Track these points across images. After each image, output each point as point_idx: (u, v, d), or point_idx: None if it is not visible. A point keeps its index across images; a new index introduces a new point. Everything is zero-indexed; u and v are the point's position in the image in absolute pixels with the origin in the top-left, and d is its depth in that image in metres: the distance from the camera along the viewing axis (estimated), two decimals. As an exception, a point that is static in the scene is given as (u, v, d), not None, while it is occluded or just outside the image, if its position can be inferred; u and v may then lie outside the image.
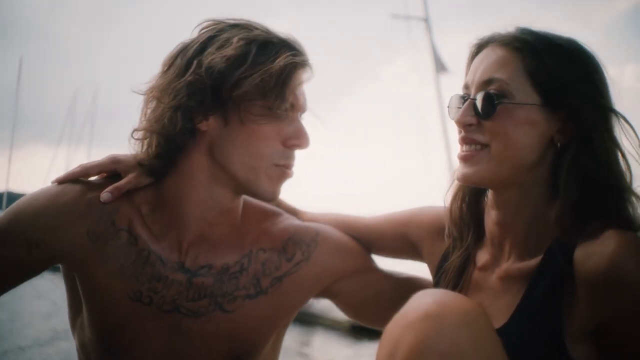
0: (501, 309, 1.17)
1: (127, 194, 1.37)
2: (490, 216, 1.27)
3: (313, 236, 1.46)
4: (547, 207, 1.17)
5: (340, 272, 1.47)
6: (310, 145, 1.35)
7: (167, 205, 1.37)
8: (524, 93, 1.17)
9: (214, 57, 1.26)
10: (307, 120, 1.39)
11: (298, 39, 1.36)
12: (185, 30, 1.37)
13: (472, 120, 1.21)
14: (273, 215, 1.50)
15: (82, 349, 1.44)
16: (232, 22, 1.35)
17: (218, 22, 1.35)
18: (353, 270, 1.49)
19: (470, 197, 1.35)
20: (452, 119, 1.27)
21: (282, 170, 1.34)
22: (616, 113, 1.17)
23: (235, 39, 1.28)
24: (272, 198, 1.37)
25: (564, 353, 1.06)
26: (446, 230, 1.36)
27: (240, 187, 1.35)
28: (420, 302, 1.00)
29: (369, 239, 1.54)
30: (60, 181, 1.38)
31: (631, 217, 1.12)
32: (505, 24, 1.25)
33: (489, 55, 1.22)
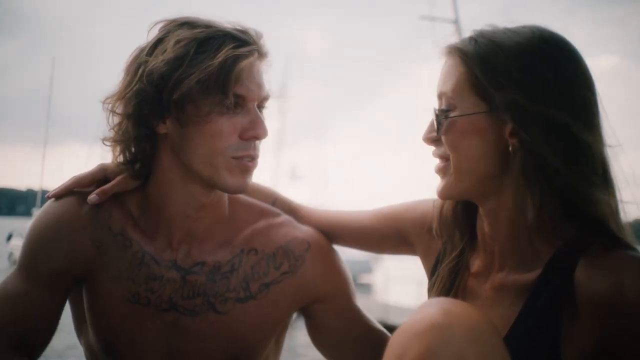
0: (494, 320, 1.11)
1: (118, 200, 1.43)
2: (483, 224, 1.25)
3: (303, 251, 1.48)
4: (530, 217, 1.12)
5: (319, 294, 1.49)
6: (268, 134, 1.34)
7: (153, 206, 1.42)
8: (470, 103, 1.14)
9: (155, 62, 1.27)
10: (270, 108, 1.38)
11: (249, 26, 1.34)
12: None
13: (433, 136, 1.21)
14: (270, 215, 1.52)
15: (89, 353, 1.51)
16: (181, 21, 1.34)
17: (169, 22, 1.35)
18: (332, 296, 1.51)
19: (463, 202, 1.31)
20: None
21: (242, 162, 1.33)
22: (556, 119, 1.08)
23: (173, 41, 1.28)
24: (238, 191, 1.37)
25: None
26: (434, 229, 1.33)
27: (208, 183, 1.36)
28: (427, 312, 0.98)
29: (361, 235, 1.53)
30: (56, 195, 1.43)
31: (611, 224, 1.08)
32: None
33: (444, 66, 1.21)
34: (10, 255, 32.49)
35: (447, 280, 1.27)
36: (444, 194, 1.21)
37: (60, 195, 1.42)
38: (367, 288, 23.63)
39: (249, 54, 1.30)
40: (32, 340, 1.38)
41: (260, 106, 1.36)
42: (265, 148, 1.39)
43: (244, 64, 1.28)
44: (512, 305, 1.13)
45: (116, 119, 1.34)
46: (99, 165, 1.46)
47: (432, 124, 1.20)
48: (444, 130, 1.16)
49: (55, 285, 1.39)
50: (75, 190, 1.43)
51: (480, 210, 1.23)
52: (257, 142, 1.35)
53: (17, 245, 31.62)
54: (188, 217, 1.40)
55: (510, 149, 1.13)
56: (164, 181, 1.38)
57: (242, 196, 1.51)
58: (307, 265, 1.47)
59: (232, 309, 1.41)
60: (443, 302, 1.00)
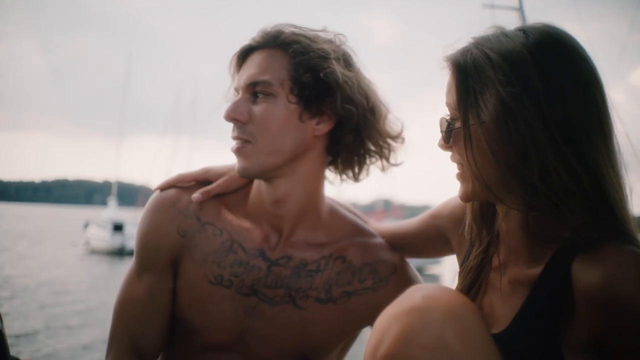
0: (507, 313, 1.15)
1: (216, 196, 1.54)
2: (500, 220, 1.23)
3: (389, 274, 1.52)
4: (535, 216, 1.11)
5: None
6: (229, 115, 1.42)
7: (249, 202, 1.54)
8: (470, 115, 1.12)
9: None
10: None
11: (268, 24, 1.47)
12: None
13: (445, 145, 1.20)
14: (367, 234, 1.57)
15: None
16: None
17: None
18: None
19: (486, 203, 1.29)
20: None
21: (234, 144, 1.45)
22: (535, 132, 1.04)
23: None
24: (239, 173, 1.45)
25: None
26: (466, 227, 1.32)
27: None
28: (410, 296, 1.01)
29: (413, 242, 1.56)
30: (160, 188, 1.57)
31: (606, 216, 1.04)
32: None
33: (449, 76, 1.19)
34: (87, 243, 33.70)
35: (472, 275, 1.27)
36: (464, 198, 1.21)
37: (164, 188, 1.56)
38: (434, 279, 23.49)
39: (240, 52, 1.47)
40: (146, 342, 1.51)
41: (256, 91, 1.42)
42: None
43: (235, 60, 1.48)
44: (523, 298, 1.12)
45: None
46: (203, 167, 1.59)
47: (443, 133, 1.20)
48: (452, 140, 1.16)
49: (161, 271, 1.52)
50: (177, 185, 1.56)
51: (497, 207, 1.22)
52: (239, 125, 1.42)
53: (93, 233, 32.88)
54: (268, 211, 1.49)
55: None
56: None
57: (347, 212, 1.60)
58: (390, 287, 1.50)
59: (311, 306, 1.47)
60: (426, 287, 1.03)
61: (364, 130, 1.46)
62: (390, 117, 1.51)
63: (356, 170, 1.53)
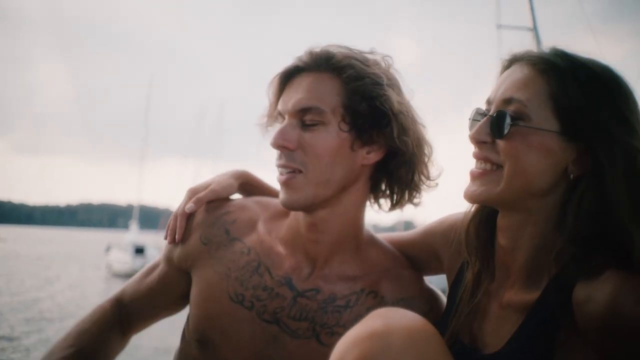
0: (499, 337, 1.13)
1: (258, 203, 1.55)
2: (498, 239, 1.21)
3: (424, 312, 1.40)
4: (554, 239, 1.11)
5: None
6: (277, 142, 1.34)
7: (286, 228, 1.49)
8: (543, 118, 1.10)
9: None
10: None
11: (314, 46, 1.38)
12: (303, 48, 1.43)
13: (487, 137, 1.15)
14: (402, 264, 1.50)
15: (183, 342, 1.57)
16: None
17: None
18: None
19: (487, 217, 1.27)
20: (469, 133, 1.20)
21: (279, 175, 1.38)
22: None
23: None
24: (283, 205, 1.39)
25: None
26: (463, 243, 1.30)
27: None
28: (369, 321, 0.99)
29: (408, 255, 1.52)
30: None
31: (633, 256, 1.03)
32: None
33: (515, 73, 1.16)
34: (109, 266, 33.74)
35: (467, 299, 1.26)
36: (482, 198, 1.17)
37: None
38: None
39: (281, 74, 1.40)
40: (133, 313, 1.61)
41: (305, 118, 1.35)
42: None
43: (276, 82, 1.41)
44: (516, 322, 1.11)
45: None
46: (187, 190, 1.61)
47: (485, 125, 1.16)
48: (508, 136, 1.12)
49: (175, 270, 1.56)
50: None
51: (501, 222, 1.20)
52: (286, 152, 1.35)
53: (116, 257, 32.95)
54: (304, 236, 1.43)
55: (571, 175, 1.12)
56: None
57: (381, 240, 1.53)
58: None
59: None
60: (387, 312, 1.02)
61: (417, 162, 1.40)
62: (433, 157, 1.45)
63: (404, 199, 1.46)
